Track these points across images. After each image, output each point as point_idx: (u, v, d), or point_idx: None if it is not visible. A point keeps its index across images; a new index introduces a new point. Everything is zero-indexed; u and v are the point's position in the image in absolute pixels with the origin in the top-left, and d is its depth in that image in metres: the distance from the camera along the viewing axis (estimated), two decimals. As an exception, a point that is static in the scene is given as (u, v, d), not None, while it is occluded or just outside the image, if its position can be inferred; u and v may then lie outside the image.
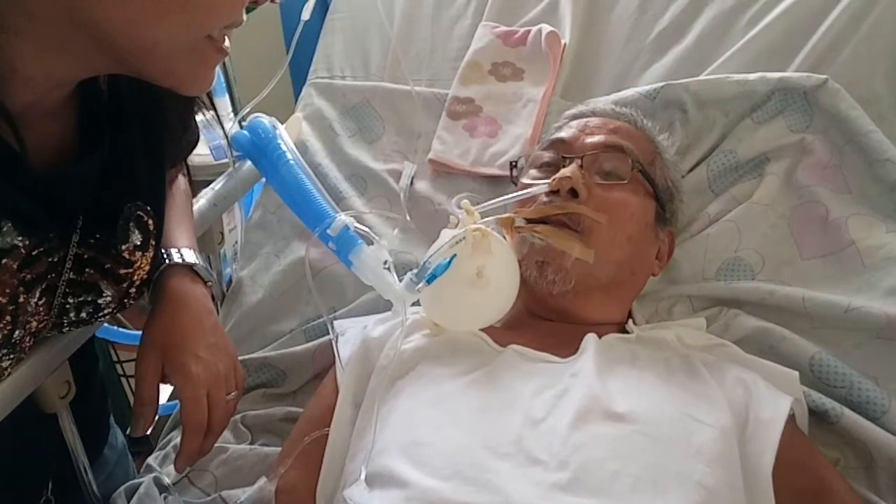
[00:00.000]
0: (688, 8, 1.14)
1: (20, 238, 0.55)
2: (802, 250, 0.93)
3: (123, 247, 0.65)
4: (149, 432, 0.73)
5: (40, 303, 0.60)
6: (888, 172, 0.90)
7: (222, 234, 1.10)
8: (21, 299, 0.57)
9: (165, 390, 0.74)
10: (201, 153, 1.13)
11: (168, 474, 0.85)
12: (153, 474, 0.85)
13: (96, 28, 0.49)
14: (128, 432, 0.94)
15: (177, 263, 0.74)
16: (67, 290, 0.63)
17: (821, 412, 0.81)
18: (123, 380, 1.55)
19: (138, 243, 0.67)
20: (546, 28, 1.16)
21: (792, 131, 0.97)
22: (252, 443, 0.93)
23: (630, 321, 0.88)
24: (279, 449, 0.85)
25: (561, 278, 0.81)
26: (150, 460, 0.91)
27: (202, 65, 0.54)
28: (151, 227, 0.68)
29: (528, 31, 1.18)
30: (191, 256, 0.76)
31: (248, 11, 0.57)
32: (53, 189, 0.57)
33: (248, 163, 1.03)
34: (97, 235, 0.64)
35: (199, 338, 0.71)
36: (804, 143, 0.96)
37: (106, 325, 1.32)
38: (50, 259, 0.59)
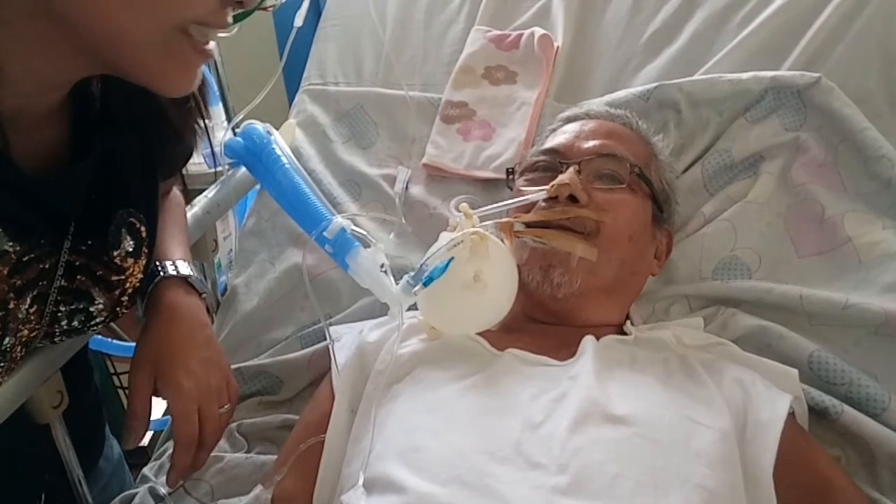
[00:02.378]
0: (680, 9, 1.14)
1: (10, 243, 0.55)
2: (799, 248, 0.93)
3: (115, 253, 0.65)
4: (145, 442, 0.73)
5: (31, 310, 0.60)
6: (883, 169, 0.90)
7: (216, 241, 1.09)
8: (11, 305, 0.57)
9: (162, 404, 0.74)
10: (195, 161, 1.13)
11: (163, 484, 0.84)
12: (148, 484, 0.84)
13: (67, 18, 0.49)
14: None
15: (171, 276, 0.74)
16: (59, 297, 0.62)
17: (820, 410, 0.80)
18: (120, 392, 1.54)
19: (130, 250, 0.66)
20: (538, 31, 1.17)
21: (786, 130, 0.97)
22: (248, 451, 0.92)
23: (628, 322, 0.88)
24: (276, 457, 0.85)
25: (567, 280, 0.80)
26: (146, 470, 0.90)
27: (178, 62, 0.53)
28: (143, 234, 0.68)
29: (521, 35, 1.18)
30: (185, 268, 0.76)
31: (239, 19, 0.57)
32: (45, 194, 0.57)
33: (242, 170, 1.03)
34: (89, 242, 0.63)
35: (191, 352, 0.71)
36: (798, 141, 0.96)
37: (102, 337, 1.32)
38: (41, 265, 0.59)
